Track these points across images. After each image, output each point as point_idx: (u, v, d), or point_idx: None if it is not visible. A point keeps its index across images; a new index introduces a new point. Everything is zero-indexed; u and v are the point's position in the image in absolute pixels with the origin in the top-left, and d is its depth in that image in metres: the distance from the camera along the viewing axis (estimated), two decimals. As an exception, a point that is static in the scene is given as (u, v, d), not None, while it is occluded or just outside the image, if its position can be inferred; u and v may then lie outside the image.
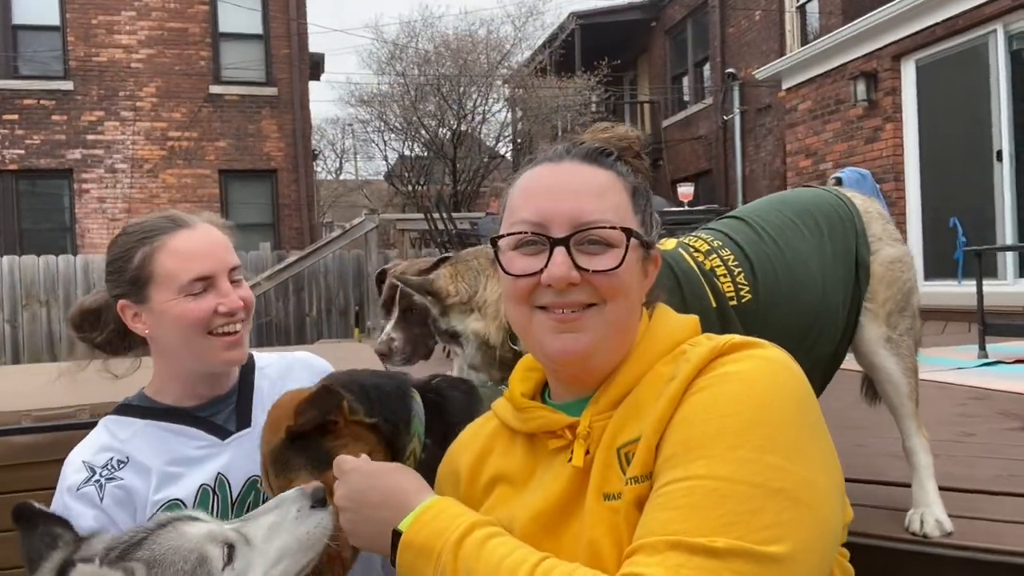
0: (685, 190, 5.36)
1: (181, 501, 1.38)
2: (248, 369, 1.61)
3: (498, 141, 18.73)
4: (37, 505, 1.08)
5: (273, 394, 1.53)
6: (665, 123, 17.01)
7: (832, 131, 9.29)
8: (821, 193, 2.09)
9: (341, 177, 29.80)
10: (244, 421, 1.51)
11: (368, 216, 8.32)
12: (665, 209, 5.38)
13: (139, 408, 1.51)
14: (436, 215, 6.73)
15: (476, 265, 1.82)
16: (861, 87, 8.64)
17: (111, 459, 1.41)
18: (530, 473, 1.12)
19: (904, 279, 2.00)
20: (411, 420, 1.34)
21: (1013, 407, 3.12)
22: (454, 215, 7.10)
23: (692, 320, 1.15)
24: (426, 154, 17.86)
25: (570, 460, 1.05)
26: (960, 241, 7.62)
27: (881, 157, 8.55)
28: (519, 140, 19.23)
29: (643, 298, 1.14)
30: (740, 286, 1.79)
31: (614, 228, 1.05)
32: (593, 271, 1.03)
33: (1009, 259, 7.30)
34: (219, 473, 1.43)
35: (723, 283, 1.78)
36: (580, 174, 1.10)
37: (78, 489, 1.37)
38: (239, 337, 1.46)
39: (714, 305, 1.75)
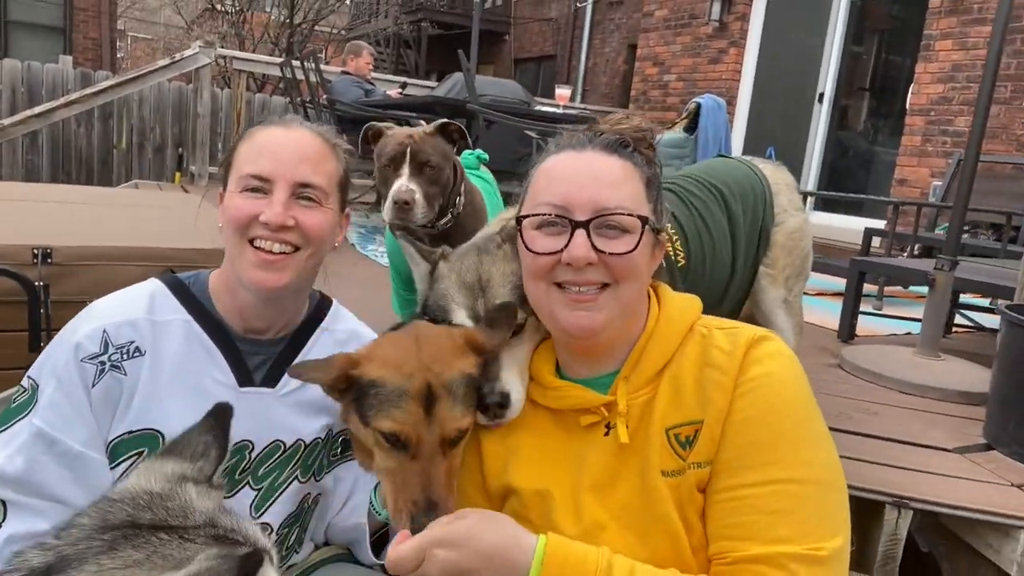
0: (562, 92, 5.40)
1: (160, 433, 1.30)
2: (313, 323, 1.49)
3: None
4: (231, 415, 1.06)
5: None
6: (516, -4, 16.56)
7: (681, 44, 9.64)
8: (737, 165, 2.29)
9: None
10: (272, 379, 1.41)
11: (203, 49, 7.41)
12: (541, 109, 5.41)
13: (192, 299, 1.40)
14: (298, 64, 6.13)
15: None
16: (716, 7, 8.98)
17: (130, 344, 1.31)
18: (558, 445, 1.22)
19: (803, 246, 2.29)
20: None
21: (826, 342, 3.68)
22: (295, 65, 6.41)
23: (696, 300, 1.30)
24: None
25: (606, 435, 1.18)
26: (772, 170, 8.45)
27: (720, 79, 9.08)
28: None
29: (650, 279, 1.27)
30: (677, 252, 1.96)
31: (631, 215, 1.16)
32: (609, 253, 1.15)
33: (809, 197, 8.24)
34: None
35: (668, 248, 1.95)
36: (601, 163, 1.20)
37: (81, 359, 1.28)
38: (277, 260, 1.33)
39: (664, 266, 1.92)
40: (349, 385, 1.23)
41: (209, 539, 0.84)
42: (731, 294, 2.17)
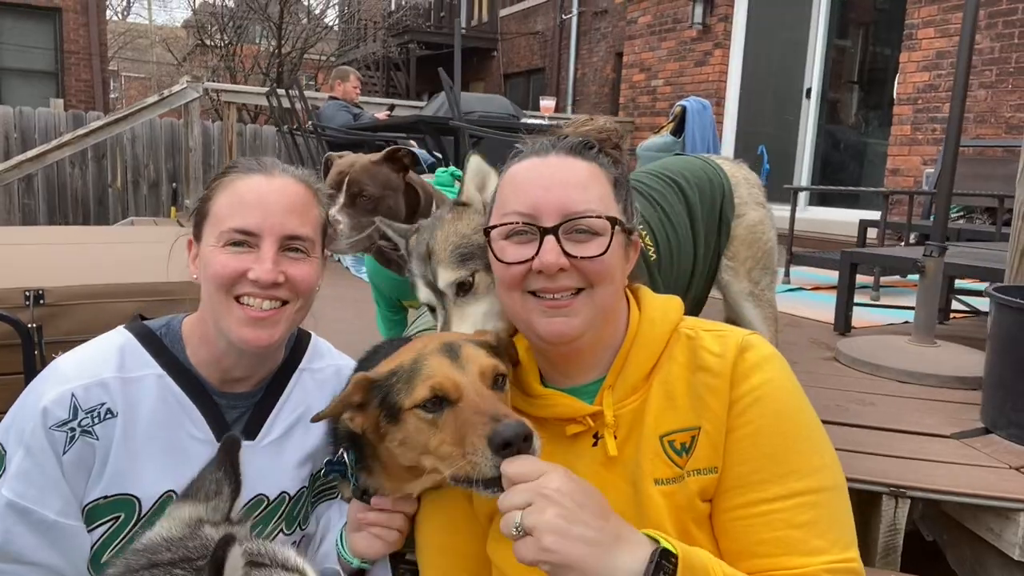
0: (546, 103, 5.42)
1: (136, 498, 1.27)
2: (290, 366, 1.44)
3: (326, 8, 17.40)
4: (242, 448, 1.02)
5: (307, 401, 1.42)
6: (503, 12, 16.67)
7: (667, 49, 9.67)
8: (691, 159, 2.31)
9: (129, 19, 26.35)
10: (252, 430, 1.36)
11: (191, 84, 7.48)
12: (526, 122, 5.43)
13: (164, 351, 1.33)
14: (283, 92, 6.18)
15: None
16: (699, 10, 9.02)
17: (100, 406, 1.25)
18: (549, 458, 1.20)
19: (765, 239, 2.29)
20: None
21: (821, 336, 3.66)
22: (280, 94, 6.46)
23: (676, 301, 1.28)
24: (239, 7, 16.08)
25: (594, 445, 1.16)
26: (764, 169, 8.44)
27: (707, 81, 9.10)
28: (346, 10, 18.02)
29: (625, 280, 1.24)
30: (647, 246, 1.96)
31: (599, 217, 1.14)
32: (581, 257, 1.13)
33: (803, 191, 8.23)
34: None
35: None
36: (566, 167, 1.18)
37: (50, 427, 1.22)
38: (266, 316, 1.27)
39: (640, 262, 1.93)
40: (369, 397, 1.17)
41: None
42: (695, 282, 2.19)
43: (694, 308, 2.22)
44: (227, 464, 1.01)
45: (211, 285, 1.28)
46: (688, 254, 2.11)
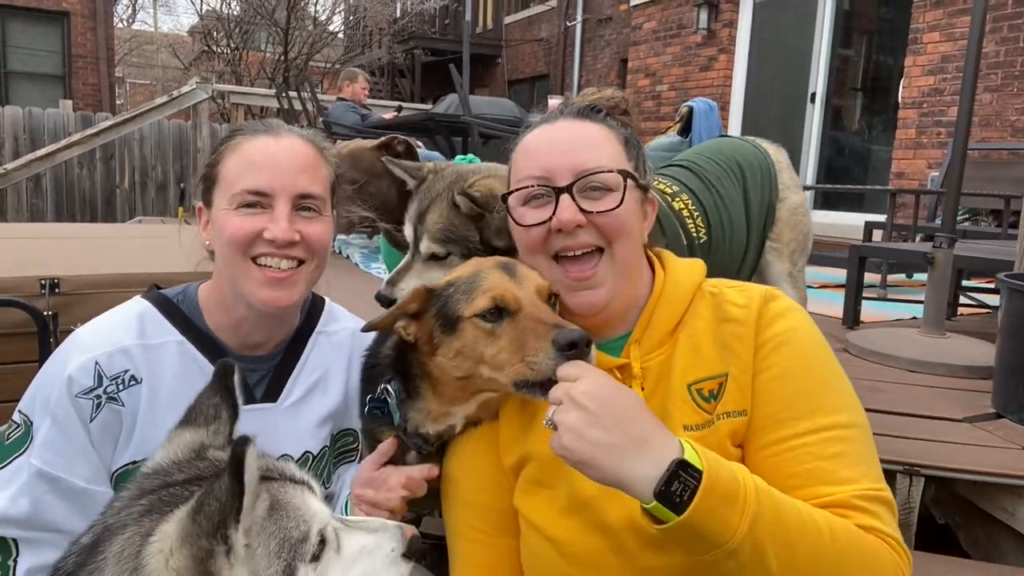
0: (554, 102, 5.46)
1: None
2: (307, 330, 1.45)
3: (332, 15, 17.51)
4: (236, 374, 1.04)
5: (324, 364, 1.43)
6: (507, 19, 16.77)
7: (671, 55, 9.73)
8: (743, 143, 2.33)
9: (135, 26, 26.50)
10: (272, 393, 1.37)
11: (200, 85, 7.54)
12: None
13: (183, 317, 1.34)
14: (294, 93, 6.23)
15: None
16: (703, 15, 9.08)
17: (124, 373, 1.26)
18: None
19: (804, 222, 2.33)
20: None
21: (830, 329, 3.68)
22: (291, 95, 6.51)
23: (700, 264, 1.32)
24: (245, 13, 16.17)
25: None
26: (770, 172, 8.50)
27: (712, 86, 9.15)
28: (351, 16, 18.11)
29: (644, 238, 1.28)
30: (699, 228, 2.00)
31: (611, 172, 1.17)
32: (597, 212, 1.16)
33: (808, 191, 8.27)
34: None
35: (690, 225, 1.98)
36: (575, 129, 1.22)
37: (75, 395, 1.23)
38: (285, 276, 1.28)
39: (685, 242, 1.95)
40: (426, 307, 1.19)
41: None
42: (744, 268, 2.22)
43: None
44: (223, 389, 1.04)
45: (227, 249, 1.28)
46: (741, 239, 2.16)
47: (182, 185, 9.05)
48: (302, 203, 1.30)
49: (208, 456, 0.96)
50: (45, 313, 3.26)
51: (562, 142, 1.20)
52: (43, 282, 3.34)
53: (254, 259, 1.27)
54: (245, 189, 1.26)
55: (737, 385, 1.13)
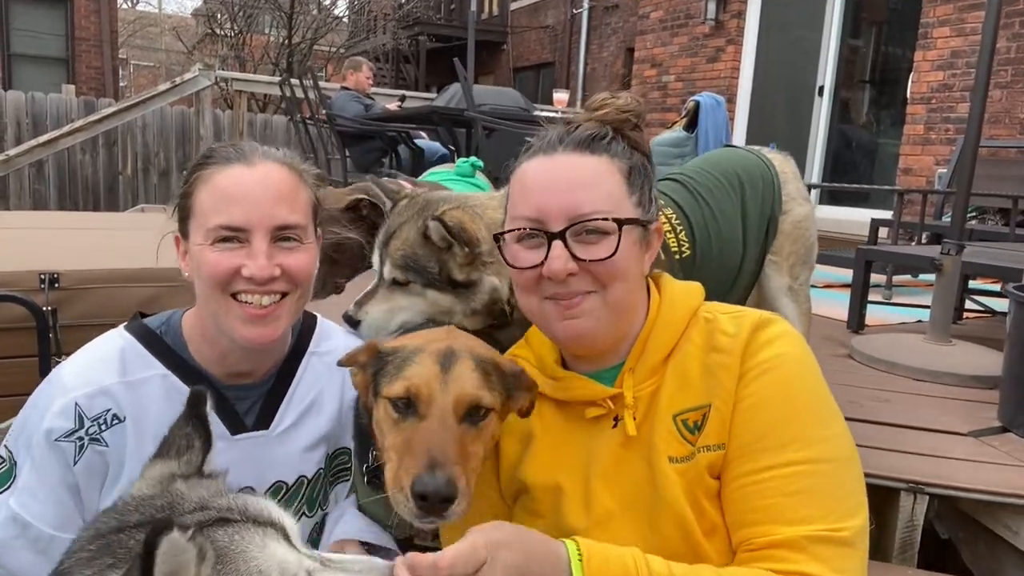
0: (560, 96, 5.41)
1: None
2: (298, 352, 1.40)
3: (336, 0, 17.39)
4: (209, 404, 0.99)
5: (317, 386, 1.39)
6: (513, 6, 16.64)
7: (678, 45, 9.64)
8: (746, 155, 2.29)
9: (139, 7, 26.37)
10: (264, 420, 1.34)
11: (203, 72, 7.49)
12: (539, 114, 5.42)
13: (167, 349, 1.30)
14: (296, 82, 6.17)
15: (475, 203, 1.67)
16: (712, 6, 8.98)
17: (106, 413, 1.23)
18: (565, 438, 1.21)
19: (808, 235, 2.28)
20: None
21: (835, 332, 3.65)
22: (294, 83, 6.42)
23: (697, 287, 1.28)
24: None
25: (614, 427, 1.17)
26: (776, 166, 8.43)
27: (719, 77, 9.07)
28: (356, 1, 18.00)
29: (645, 271, 1.24)
30: (682, 242, 1.95)
31: (606, 219, 1.13)
32: (590, 260, 1.13)
33: (814, 189, 8.21)
34: None
35: (670, 238, 1.93)
36: (572, 166, 1.16)
37: (55, 439, 1.21)
38: (267, 313, 1.23)
39: (663, 257, 1.91)
40: (370, 363, 1.16)
41: (194, 524, 0.80)
42: (740, 282, 2.17)
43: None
44: (194, 418, 1.00)
45: (206, 285, 1.24)
46: (735, 252, 2.11)
47: (184, 172, 9.01)
48: (281, 234, 1.24)
49: (172, 490, 0.92)
50: (45, 308, 3.24)
51: (559, 180, 1.15)
52: (43, 277, 3.33)
53: (234, 295, 1.23)
54: (219, 225, 1.21)
55: (719, 416, 1.11)
